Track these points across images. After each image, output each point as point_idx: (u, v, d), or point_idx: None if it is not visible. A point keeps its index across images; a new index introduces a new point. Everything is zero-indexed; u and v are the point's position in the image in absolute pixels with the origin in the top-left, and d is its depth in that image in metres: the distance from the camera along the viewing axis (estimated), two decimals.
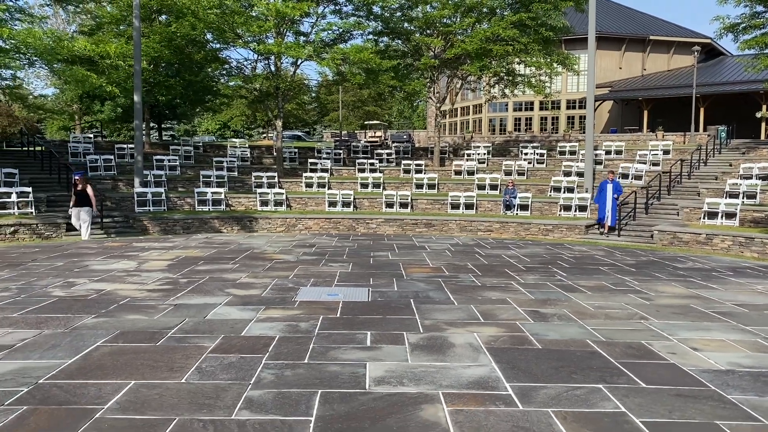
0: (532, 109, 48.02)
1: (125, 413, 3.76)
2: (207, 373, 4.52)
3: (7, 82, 17.96)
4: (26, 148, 26.32)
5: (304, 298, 7.32)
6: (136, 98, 20.71)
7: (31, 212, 18.21)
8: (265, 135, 63.18)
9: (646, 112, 40.15)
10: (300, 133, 61.66)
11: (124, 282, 8.19)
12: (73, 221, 16.23)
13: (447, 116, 36.45)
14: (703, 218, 17.99)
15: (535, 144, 32.32)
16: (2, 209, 17.89)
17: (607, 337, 5.71)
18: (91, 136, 29.31)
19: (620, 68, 45.42)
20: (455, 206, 22.16)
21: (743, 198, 19.07)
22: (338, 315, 6.46)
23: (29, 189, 18.37)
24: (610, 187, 17.96)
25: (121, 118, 42.10)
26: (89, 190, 15.86)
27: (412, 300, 7.26)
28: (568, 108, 46.76)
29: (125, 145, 26.32)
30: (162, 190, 21.13)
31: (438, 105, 28.85)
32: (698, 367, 4.86)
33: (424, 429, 3.59)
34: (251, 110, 44.12)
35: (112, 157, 24.16)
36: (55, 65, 15.71)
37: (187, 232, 18.92)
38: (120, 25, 27.37)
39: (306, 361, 4.86)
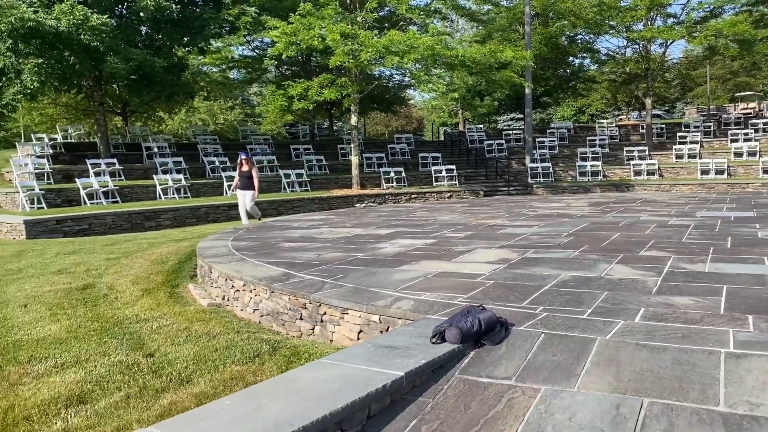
0: None
1: (624, 238, 7.64)
2: (659, 231, 8.17)
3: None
4: (436, 140, 33.86)
5: (704, 214, 10.45)
6: (527, 90, 25.55)
7: (455, 183, 24.41)
8: (620, 117, 63.91)
9: None
10: (659, 112, 60.78)
11: (567, 209, 12.42)
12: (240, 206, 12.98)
13: None
14: None
15: None
16: (436, 181, 24.45)
17: None
18: (482, 126, 35.63)
19: None
20: None
21: None
22: (732, 220, 9.45)
23: (453, 167, 24.61)
24: None
25: (496, 111, 48.70)
26: (254, 172, 12.64)
27: None
28: None
29: (510, 132, 31.75)
30: (549, 165, 25.57)
31: None
32: None
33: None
34: (612, 93, 46.15)
35: (503, 141, 29.67)
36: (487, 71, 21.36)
37: (573, 195, 22.87)
38: (504, 31, 32.84)
39: (716, 231, 8.13)
